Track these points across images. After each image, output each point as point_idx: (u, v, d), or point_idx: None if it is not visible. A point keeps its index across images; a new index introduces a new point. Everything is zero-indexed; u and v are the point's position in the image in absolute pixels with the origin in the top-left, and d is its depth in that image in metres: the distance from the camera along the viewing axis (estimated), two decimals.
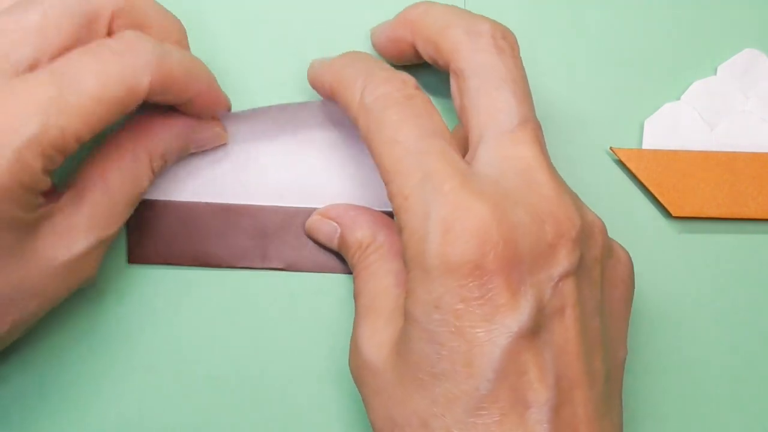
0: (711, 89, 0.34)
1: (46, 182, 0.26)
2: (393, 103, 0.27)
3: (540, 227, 0.26)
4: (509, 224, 0.25)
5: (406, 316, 0.26)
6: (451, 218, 0.25)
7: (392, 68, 0.29)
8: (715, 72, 0.34)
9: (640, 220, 0.34)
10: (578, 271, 0.26)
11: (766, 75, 0.34)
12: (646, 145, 0.34)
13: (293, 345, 0.33)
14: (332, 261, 0.33)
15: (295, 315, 0.33)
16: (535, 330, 0.25)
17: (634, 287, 0.30)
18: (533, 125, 0.28)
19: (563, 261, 0.26)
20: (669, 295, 0.34)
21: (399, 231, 0.27)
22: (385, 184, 0.27)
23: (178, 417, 0.33)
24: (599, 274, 0.28)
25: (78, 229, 0.28)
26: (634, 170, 0.33)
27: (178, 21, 0.30)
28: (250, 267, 0.33)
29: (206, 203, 0.33)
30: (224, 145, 0.33)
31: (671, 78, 0.34)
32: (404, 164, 0.26)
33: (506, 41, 0.28)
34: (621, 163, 0.34)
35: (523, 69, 0.28)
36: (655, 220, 0.34)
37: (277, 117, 0.33)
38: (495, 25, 0.29)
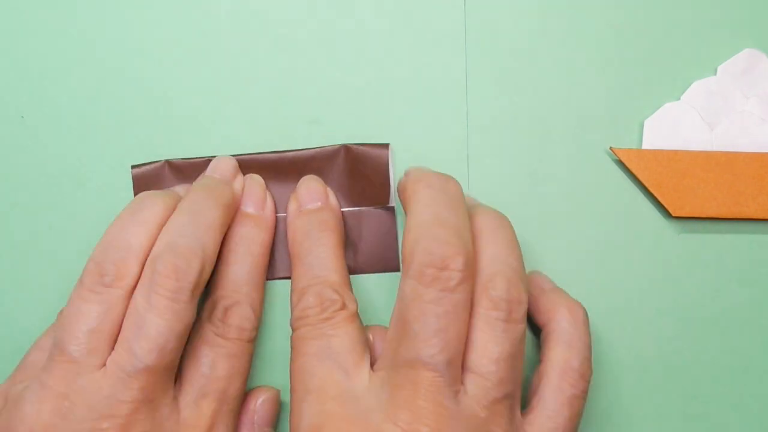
0: (711, 89, 0.34)
1: None
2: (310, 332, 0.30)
3: None
4: None
5: None
6: None
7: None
8: (715, 72, 0.34)
9: (640, 220, 0.34)
10: None
11: (766, 75, 0.34)
12: (646, 145, 0.34)
13: None
14: None
15: None
16: None
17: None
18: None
19: None
20: (669, 295, 0.34)
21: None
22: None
23: None
24: None
25: None
26: (634, 170, 0.33)
27: None
28: None
29: None
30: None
31: (671, 78, 0.34)
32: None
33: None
34: (621, 163, 0.34)
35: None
36: (655, 220, 0.34)
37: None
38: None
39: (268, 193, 0.33)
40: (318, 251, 0.31)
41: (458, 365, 0.28)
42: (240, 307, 0.31)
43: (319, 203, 0.32)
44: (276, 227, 0.33)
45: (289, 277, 0.33)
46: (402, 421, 0.27)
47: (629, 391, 0.34)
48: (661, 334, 0.34)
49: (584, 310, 0.31)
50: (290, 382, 0.30)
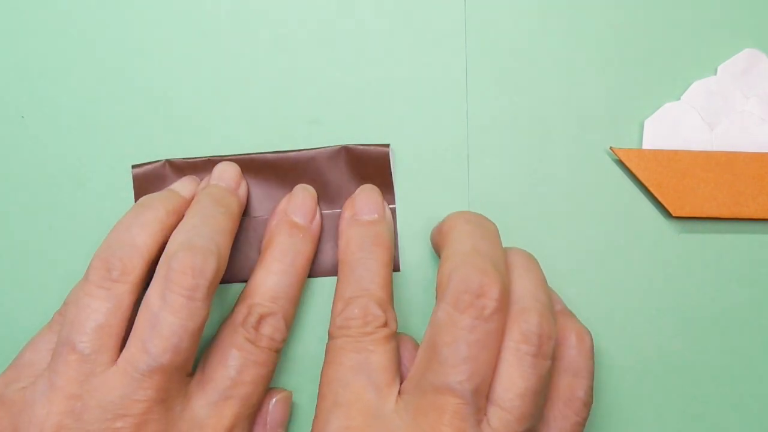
0: (711, 89, 0.34)
1: None
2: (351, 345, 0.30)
3: None
4: None
5: None
6: None
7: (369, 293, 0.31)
8: (715, 72, 0.34)
9: (640, 220, 0.34)
10: None
11: (766, 75, 0.34)
12: (646, 145, 0.34)
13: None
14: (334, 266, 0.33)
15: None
16: None
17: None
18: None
19: None
20: (669, 295, 0.34)
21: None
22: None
23: None
24: None
25: None
26: (634, 170, 0.33)
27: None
28: None
29: None
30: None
31: (671, 78, 0.34)
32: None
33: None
34: (621, 163, 0.34)
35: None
36: (655, 220, 0.34)
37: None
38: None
39: (317, 205, 0.33)
40: (369, 264, 0.31)
41: (484, 395, 0.28)
42: (275, 318, 0.30)
43: (376, 215, 0.32)
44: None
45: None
46: None
47: (629, 391, 0.34)
48: (661, 334, 0.34)
49: (591, 337, 0.31)
50: (319, 388, 0.30)
